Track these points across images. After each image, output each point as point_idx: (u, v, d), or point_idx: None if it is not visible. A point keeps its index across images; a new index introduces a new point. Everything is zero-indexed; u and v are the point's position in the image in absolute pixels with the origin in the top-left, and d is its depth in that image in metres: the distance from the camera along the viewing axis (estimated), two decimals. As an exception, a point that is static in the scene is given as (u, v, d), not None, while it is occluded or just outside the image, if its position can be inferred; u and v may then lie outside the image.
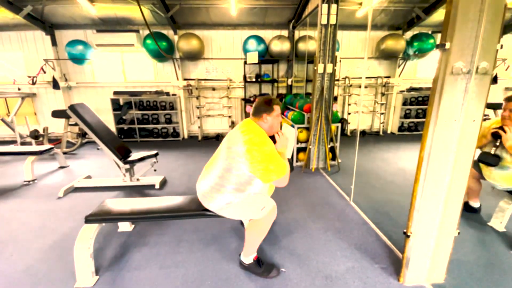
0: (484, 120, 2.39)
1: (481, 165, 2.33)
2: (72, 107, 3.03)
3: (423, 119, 6.45)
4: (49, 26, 5.75)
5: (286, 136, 1.76)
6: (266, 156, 1.51)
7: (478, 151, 2.23)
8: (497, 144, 2.14)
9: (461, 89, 1.34)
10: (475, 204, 2.56)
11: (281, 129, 1.82)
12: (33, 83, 5.86)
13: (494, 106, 5.05)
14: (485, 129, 2.23)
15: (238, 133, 1.59)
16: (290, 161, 1.80)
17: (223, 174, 1.59)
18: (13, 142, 5.64)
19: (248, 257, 1.80)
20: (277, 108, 1.70)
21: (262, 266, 1.80)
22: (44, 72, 5.91)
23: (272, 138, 1.70)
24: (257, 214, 1.65)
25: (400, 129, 6.72)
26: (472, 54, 1.29)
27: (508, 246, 2.07)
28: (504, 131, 2.06)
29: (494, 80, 5.98)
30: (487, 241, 2.15)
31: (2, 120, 5.19)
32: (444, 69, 1.32)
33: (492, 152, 2.14)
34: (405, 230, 1.63)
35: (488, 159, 2.13)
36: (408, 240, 1.62)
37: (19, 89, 5.98)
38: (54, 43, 5.90)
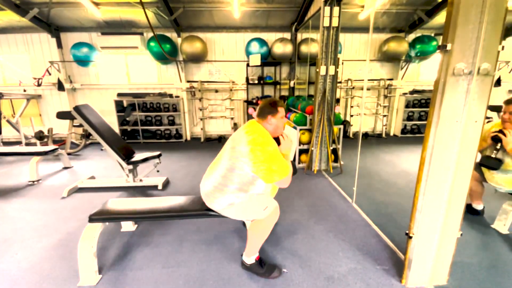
0: (487, 122, 2.40)
1: (483, 168, 2.32)
2: (77, 108, 3.07)
3: (426, 122, 6.43)
4: (55, 29, 5.84)
5: (290, 138, 1.78)
6: (269, 156, 1.52)
7: (479, 155, 2.23)
8: (498, 147, 2.13)
9: (462, 90, 1.35)
10: (478, 206, 2.54)
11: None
12: (39, 85, 5.93)
13: (497, 109, 5.02)
14: (485, 132, 2.21)
15: (243, 134, 1.61)
16: (293, 163, 1.81)
17: (226, 174, 1.61)
18: (18, 143, 5.71)
19: (250, 258, 1.81)
20: (281, 110, 1.72)
21: (264, 266, 1.80)
22: (50, 74, 5.98)
23: (277, 140, 1.71)
24: (260, 214, 1.66)
25: (403, 131, 6.70)
26: (474, 55, 1.30)
27: (511, 248, 2.06)
28: (504, 135, 2.05)
29: (498, 82, 5.95)
30: (490, 243, 2.13)
31: (8, 121, 5.25)
32: (445, 70, 1.33)
33: (493, 155, 2.13)
34: (407, 231, 1.63)
35: (490, 163, 2.12)
36: (410, 241, 1.61)
37: (24, 90, 6.06)
38: (59, 45, 5.99)
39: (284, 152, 1.72)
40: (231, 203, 1.65)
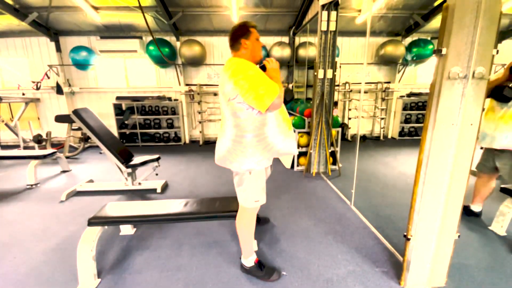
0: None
1: (493, 113, 2.15)
2: (76, 112, 3.07)
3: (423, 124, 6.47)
4: (54, 33, 5.85)
5: (276, 61, 1.63)
6: (253, 81, 1.42)
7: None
8: None
9: (458, 94, 1.37)
10: (476, 208, 2.56)
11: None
12: (37, 88, 5.93)
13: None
14: (499, 74, 2.11)
15: (223, 73, 1.54)
16: (290, 89, 1.66)
17: (236, 122, 1.53)
18: (17, 146, 5.69)
19: (248, 259, 1.81)
20: (253, 30, 1.58)
21: (263, 269, 1.81)
22: (48, 78, 5.99)
23: (263, 68, 1.59)
24: (249, 200, 1.66)
25: (401, 134, 6.73)
26: (468, 59, 1.32)
27: (509, 250, 2.07)
28: None
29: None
30: (488, 245, 2.14)
31: (6, 124, 5.24)
32: (441, 74, 1.35)
33: (511, 85, 1.97)
34: (405, 233, 1.64)
35: (507, 92, 1.95)
36: (409, 243, 1.62)
37: (23, 94, 6.06)
38: (58, 49, 6.00)
39: (273, 75, 1.56)
40: (240, 174, 1.61)
